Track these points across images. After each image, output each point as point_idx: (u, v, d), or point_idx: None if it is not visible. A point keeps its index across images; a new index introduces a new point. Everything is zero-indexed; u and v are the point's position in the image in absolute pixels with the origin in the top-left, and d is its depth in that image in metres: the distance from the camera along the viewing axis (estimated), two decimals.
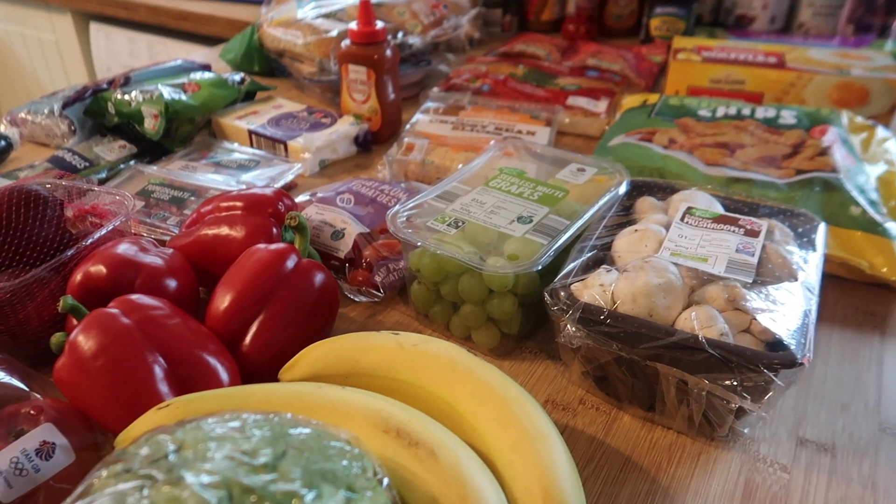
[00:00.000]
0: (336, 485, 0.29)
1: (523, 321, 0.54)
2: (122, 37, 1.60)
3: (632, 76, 0.99)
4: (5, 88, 2.09)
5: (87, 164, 0.77)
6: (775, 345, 0.43)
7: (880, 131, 0.78)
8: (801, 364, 0.41)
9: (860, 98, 0.83)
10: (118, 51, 1.62)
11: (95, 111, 0.84)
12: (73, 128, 0.84)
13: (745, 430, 0.47)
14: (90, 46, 1.69)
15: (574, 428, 0.49)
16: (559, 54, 1.08)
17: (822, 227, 0.54)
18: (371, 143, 0.86)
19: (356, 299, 0.60)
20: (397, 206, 0.56)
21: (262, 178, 0.75)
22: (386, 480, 0.32)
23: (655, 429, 0.49)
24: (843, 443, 0.47)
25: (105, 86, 0.85)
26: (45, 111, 0.84)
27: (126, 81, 0.88)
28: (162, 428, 0.32)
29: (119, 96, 0.83)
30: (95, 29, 1.65)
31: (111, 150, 0.81)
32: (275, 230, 0.58)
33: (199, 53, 1.25)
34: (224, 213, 0.59)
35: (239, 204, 0.59)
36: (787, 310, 0.45)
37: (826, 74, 0.84)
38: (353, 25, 0.82)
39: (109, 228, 0.55)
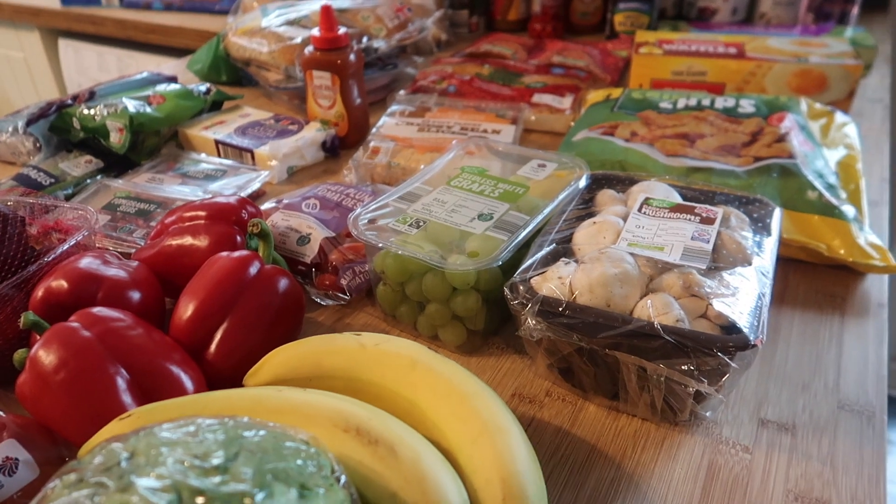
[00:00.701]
0: (288, 483, 0.29)
1: (489, 317, 0.54)
2: (91, 52, 1.59)
3: (597, 72, 1.00)
4: None
5: (53, 180, 0.77)
6: (731, 328, 0.44)
7: (839, 117, 0.80)
8: (755, 346, 0.42)
9: (819, 85, 0.85)
10: (87, 66, 1.62)
11: (60, 127, 0.84)
12: (38, 145, 0.84)
13: (707, 414, 0.48)
14: (59, 63, 1.68)
15: (541, 420, 0.49)
16: (525, 53, 1.09)
17: (777, 213, 0.55)
18: (339, 148, 0.86)
19: (324, 303, 0.60)
20: (359, 209, 0.56)
21: (230, 188, 0.75)
22: (343, 478, 0.32)
23: (620, 417, 0.49)
24: (804, 422, 0.48)
25: (70, 101, 0.85)
26: (10, 129, 0.84)
27: (91, 96, 0.87)
28: (117, 437, 0.32)
29: (84, 111, 0.83)
30: (64, 45, 1.64)
31: (77, 165, 0.80)
32: (239, 238, 0.58)
33: (168, 65, 1.25)
34: (188, 223, 0.59)
35: (202, 213, 0.59)
36: (741, 294, 0.45)
37: (785, 63, 0.85)
38: (316, 32, 0.82)
39: (72, 243, 0.55)
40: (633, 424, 0.49)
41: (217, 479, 0.28)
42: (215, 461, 0.29)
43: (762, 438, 0.47)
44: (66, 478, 0.30)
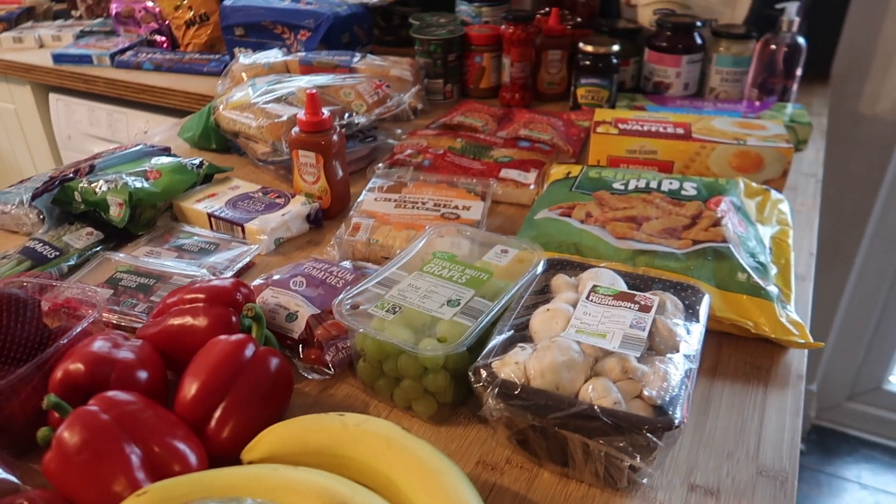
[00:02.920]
0: None
1: (457, 391, 0.62)
2: (82, 107, 1.66)
3: (561, 144, 1.09)
4: None
5: (57, 252, 0.84)
6: (661, 409, 0.52)
7: (774, 194, 0.89)
8: (678, 427, 0.50)
9: (756, 165, 0.94)
10: (78, 119, 1.68)
11: (63, 200, 0.90)
12: (41, 216, 0.90)
13: (644, 481, 0.55)
14: (50, 116, 1.74)
15: (500, 486, 0.56)
16: (495, 124, 1.18)
17: (706, 299, 0.63)
18: (322, 220, 0.94)
19: (309, 377, 0.67)
20: (342, 295, 0.64)
21: (223, 261, 0.82)
22: None
23: (570, 483, 0.57)
24: (727, 486, 0.56)
25: (71, 175, 0.92)
26: (15, 201, 0.90)
27: (91, 169, 0.94)
28: None
29: (85, 185, 0.90)
30: (55, 99, 1.70)
31: (79, 237, 0.87)
32: (234, 319, 0.65)
33: (158, 129, 1.32)
34: (188, 305, 0.66)
35: (201, 296, 0.66)
36: (670, 378, 0.53)
37: (726, 144, 0.94)
38: (302, 114, 0.90)
39: (84, 326, 0.62)
40: (581, 490, 0.56)
41: None
42: None
43: (690, 502, 0.55)
44: None
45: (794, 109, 1.15)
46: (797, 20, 1.15)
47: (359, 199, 0.92)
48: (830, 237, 1.59)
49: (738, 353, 0.70)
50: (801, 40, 1.16)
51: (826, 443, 1.85)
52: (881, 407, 1.83)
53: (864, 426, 1.86)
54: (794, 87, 1.20)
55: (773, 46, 1.17)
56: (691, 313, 0.62)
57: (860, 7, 1.36)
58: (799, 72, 1.19)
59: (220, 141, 1.14)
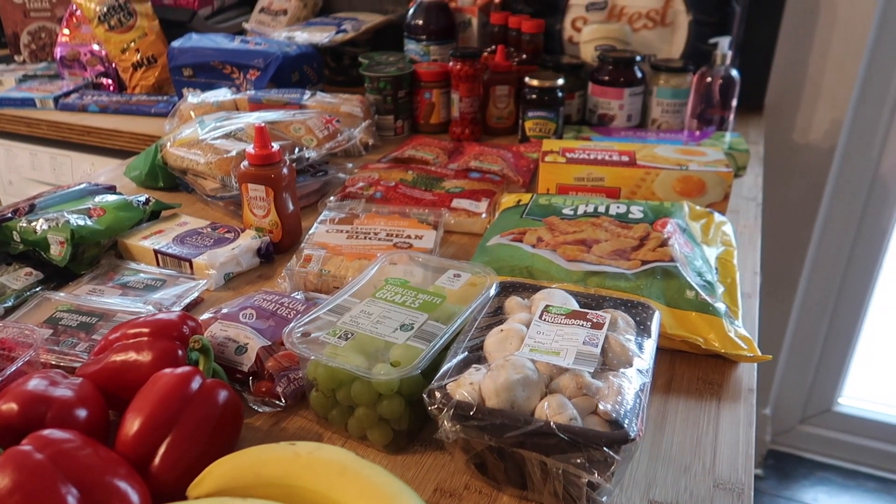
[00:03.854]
0: None
1: (412, 418, 0.61)
2: (24, 151, 1.61)
3: (510, 174, 1.11)
4: None
5: None
6: (616, 424, 0.52)
7: (717, 216, 0.92)
8: (634, 440, 0.50)
9: (699, 189, 0.97)
10: (20, 164, 1.63)
11: (0, 240, 0.87)
12: None
13: (604, 499, 0.55)
14: None
15: None
16: (446, 157, 1.19)
17: (656, 316, 0.64)
18: (273, 254, 0.92)
19: (260, 410, 0.65)
20: (293, 323, 0.63)
21: (169, 297, 0.80)
22: None
23: None
24: (685, 500, 0.56)
25: (10, 214, 0.89)
26: None
27: (31, 209, 0.91)
28: None
29: (24, 224, 0.87)
30: None
31: (17, 278, 0.84)
32: (180, 352, 0.63)
33: (103, 170, 1.29)
34: (131, 340, 0.63)
35: (145, 330, 0.64)
36: (624, 392, 0.53)
37: (669, 170, 0.97)
38: (251, 148, 0.90)
39: (19, 364, 0.59)
40: None
41: None
42: None
43: None
44: None
45: (732, 138, 1.20)
46: (730, 53, 1.21)
47: (310, 232, 0.91)
48: (773, 264, 1.64)
49: (691, 370, 0.70)
50: (734, 72, 1.22)
51: (782, 467, 1.87)
52: (832, 429, 1.87)
53: (817, 448, 1.89)
54: (731, 117, 1.25)
55: (709, 79, 1.22)
56: (643, 329, 0.62)
57: (788, 42, 1.43)
58: (734, 103, 1.24)
59: (168, 179, 1.12)
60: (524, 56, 1.39)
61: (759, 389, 0.68)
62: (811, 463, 1.88)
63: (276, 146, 0.91)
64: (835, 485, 1.81)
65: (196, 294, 0.81)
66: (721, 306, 0.72)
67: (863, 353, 1.77)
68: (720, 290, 0.77)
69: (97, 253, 0.90)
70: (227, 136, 1.04)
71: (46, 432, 0.51)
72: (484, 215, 0.97)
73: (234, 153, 1.00)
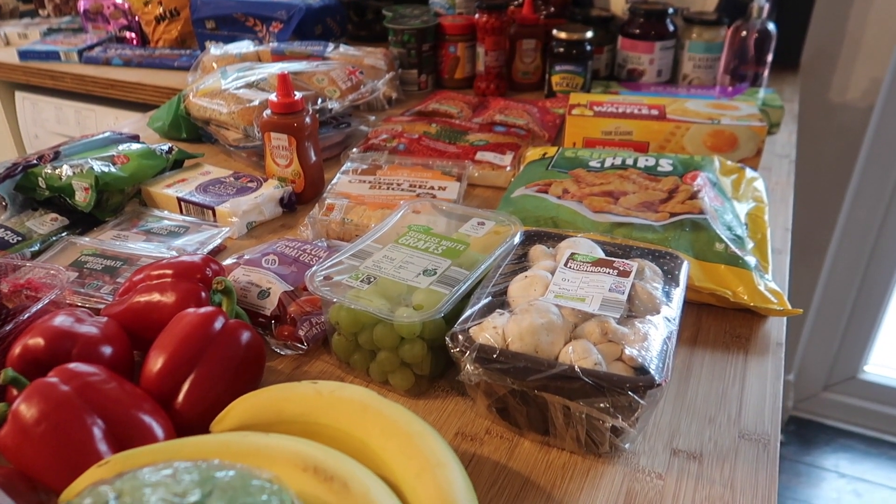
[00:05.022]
0: None
1: (434, 363, 0.60)
2: (49, 105, 1.62)
3: (536, 129, 1.08)
4: None
5: (20, 238, 0.81)
6: (642, 370, 0.51)
7: (748, 172, 0.89)
8: (660, 385, 0.49)
9: (730, 144, 0.94)
10: (45, 118, 1.64)
11: (26, 186, 0.88)
12: (3, 203, 0.87)
13: (626, 446, 0.54)
14: (16, 115, 1.70)
15: (481, 455, 0.55)
16: (470, 111, 1.17)
17: (685, 265, 0.63)
18: (296, 204, 0.92)
19: (282, 353, 0.65)
20: (315, 267, 0.62)
21: (192, 244, 0.80)
22: None
23: (551, 451, 0.55)
24: (709, 450, 0.55)
25: (35, 161, 0.89)
26: None
27: (56, 156, 0.91)
28: (102, 480, 0.36)
29: (49, 171, 0.87)
30: (21, 98, 1.66)
31: (43, 223, 0.84)
32: (203, 294, 0.63)
33: (126, 121, 1.29)
34: (155, 281, 0.63)
35: (169, 272, 0.64)
36: (650, 339, 0.52)
37: (700, 124, 0.94)
38: (273, 97, 0.88)
39: (45, 302, 0.60)
40: (563, 457, 0.55)
41: None
42: (192, 498, 0.34)
43: (674, 466, 0.54)
44: None
45: (766, 94, 1.16)
46: (767, 6, 1.16)
47: (332, 182, 0.90)
48: (802, 228, 1.60)
49: (718, 323, 0.69)
50: (771, 26, 1.17)
51: (804, 433, 1.86)
52: (857, 396, 1.84)
53: (840, 416, 1.87)
54: (766, 73, 1.21)
55: (744, 33, 1.18)
56: (670, 278, 0.61)
57: None
58: (770, 58, 1.20)
59: (191, 130, 1.11)
60: (552, 9, 1.35)
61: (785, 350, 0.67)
62: (833, 430, 1.86)
63: (298, 95, 0.90)
64: (857, 452, 1.80)
65: (219, 241, 0.81)
66: (751, 259, 0.71)
67: (892, 320, 1.74)
68: (750, 245, 0.75)
69: (121, 200, 0.90)
70: (249, 85, 1.03)
71: (72, 365, 0.51)
72: (508, 168, 0.96)
73: (256, 102, 0.99)
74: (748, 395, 0.60)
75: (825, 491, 1.70)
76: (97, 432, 0.48)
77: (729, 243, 0.71)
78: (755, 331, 0.68)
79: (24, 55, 1.59)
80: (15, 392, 0.52)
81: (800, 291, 1.72)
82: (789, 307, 0.67)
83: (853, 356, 1.81)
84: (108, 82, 1.48)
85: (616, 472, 0.53)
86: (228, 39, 1.42)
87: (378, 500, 0.41)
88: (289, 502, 0.37)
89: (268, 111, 0.90)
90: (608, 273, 0.59)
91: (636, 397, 0.48)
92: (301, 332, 0.64)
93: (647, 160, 0.86)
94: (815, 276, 1.69)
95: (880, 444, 1.81)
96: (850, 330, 1.77)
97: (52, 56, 1.58)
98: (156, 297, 0.62)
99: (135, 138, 1.02)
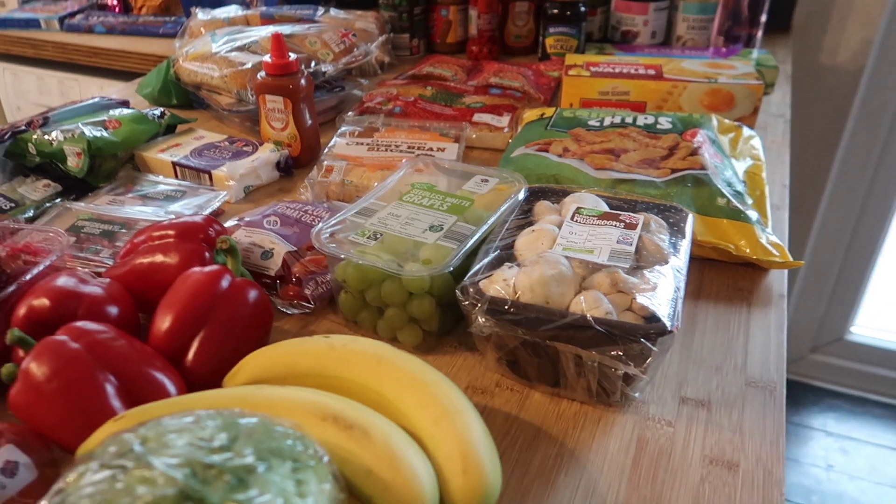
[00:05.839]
0: (283, 458, 0.34)
1: (442, 319, 0.60)
2: (31, 75, 1.58)
3: (532, 91, 1.08)
4: None
5: (13, 204, 0.79)
6: (652, 318, 0.51)
7: (745, 131, 0.89)
8: (672, 332, 0.49)
9: (727, 103, 0.94)
10: (27, 89, 1.61)
11: (16, 152, 0.86)
12: None
13: (637, 395, 0.55)
14: None
15: (492, 408, 0.55)
16: (465, 74, 1.16)
17: (690, 218, 0.63)
18: (292, 168, 0.91)
19: (289, 312, 0.65)
20: (321, 224, 0.62)
21: (190, 207, 0.79)
22: (326, 457, 0.38)
23: (562, 402, 0.56)
24: (717, 398, 0.56)
25: (24, 127, 0.87)
26: None
27: (45, 122, 0.89)
28: (124, 429, 0.36)
29: (39, 136, 0.85)
30: (1, 68, 1.62)
31: (35, 189, 0.83)
32: (207, 254, 0.62)
33: (113, 89, 1.27)
34: (157, 242, 0.63)
35: (171, 232, 0.63)
36: (660, 289, 0.53)
37: (697, 83, 0.94)
38: (267, 58, 0.87)
39: (46, 264, 0.59)
40: (573, 408, 0.55)
41: (224, 455, 0.33)
42: (218, 443, 0.34)
43: (683, 414, 0.54)
44: (83, 466, 0.34)
45: (760, 54, 1.16)
46: None
47: (329, 145, 0.89)
48: (793, 191, 1.62)
49: (720, 277, 0.70)
50: None
51: (792, 394, 1.89)
52: (843, 357, 1.88)
53: (827, 377, 1.91)
54: (759, 34, 1.21)
55: None
56: (676, 230, 0.61)
57: None
58: (763, 19, 1.19)
59: (182, 95, 1.09)
60: None
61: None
62: (820, 391, 1.90)
63: (292, 56, 0.88)
64: (843, 411, 1.83)
65: (217, 204, 0.80)
66: (753, 213, 0.71)
67: (878, 282, 1.76)
68: (749, 201, 0.76)
69: (114, 165, 0.88)
70: (241, 48, 1.01)
71: (80, 323, 0.50)
72: (506, 130, 0.95)
73: (249, 65, 0.97)
74: (753, 345, 0.61)
75: (813, 449, 1.74)
76: (110, 389, 0.47)
77: (731, 198, 0.72)
78: (757, 283, 0.69)
79: (2, 23, 1.55)
80: (21, 353, 0.51)
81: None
82: (791, 259, 0.68)
83: (840, 318, 1.83)
84: (92, 50, 1.45)
85: (626, 421, 0.54)
86: (215, 4, 1.38)
87: (399, 447, 0.41)
88: (312, 448, 0.37)
89: (262, 73, 0.88)
90: (615, 226, 0.59)
91: (648, 344, 0.49)
92: (307, 291, 0.64)
93: (646, 118, 0.86)
94: (803, 240, 1.71)
95: (865, 402, 1.85)
96: (837, 292, 1.79)
97: (33, 24, 1.54)
98: (159, 258, 0.61)
99: (125, 104, 1.00)
